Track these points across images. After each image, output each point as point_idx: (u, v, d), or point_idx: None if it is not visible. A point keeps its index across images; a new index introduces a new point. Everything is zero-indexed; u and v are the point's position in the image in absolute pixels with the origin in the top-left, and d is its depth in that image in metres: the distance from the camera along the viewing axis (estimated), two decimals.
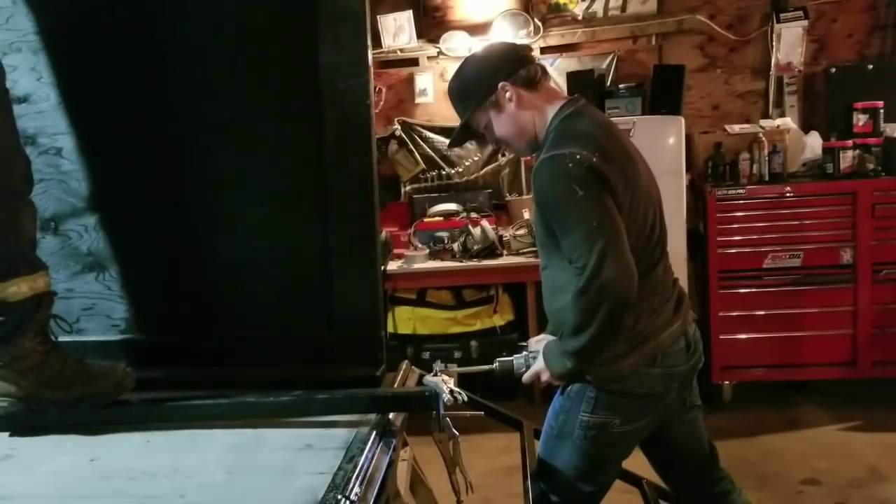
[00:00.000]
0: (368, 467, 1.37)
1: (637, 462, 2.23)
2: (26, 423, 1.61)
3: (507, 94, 1.99)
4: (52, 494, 1.33)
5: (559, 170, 1.84)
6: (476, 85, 2.03)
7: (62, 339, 1.71)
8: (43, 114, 1.95)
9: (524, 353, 2.10)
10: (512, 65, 2.01)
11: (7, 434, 1.61)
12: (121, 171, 1.97)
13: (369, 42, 1.87)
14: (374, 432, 1.51)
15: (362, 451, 1.41)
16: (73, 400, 1.60)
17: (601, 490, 2.09)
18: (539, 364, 2.01)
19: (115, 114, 1.94)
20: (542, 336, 2.15)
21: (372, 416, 1.61)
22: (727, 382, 4.40)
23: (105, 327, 2.00)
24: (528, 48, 2.11)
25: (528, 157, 4.97)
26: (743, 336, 4.33)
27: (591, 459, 2.00)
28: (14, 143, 1.62)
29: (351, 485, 1.26)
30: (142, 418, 1.65)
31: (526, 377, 2.05)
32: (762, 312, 4.30)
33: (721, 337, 4.30)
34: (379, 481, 1.37)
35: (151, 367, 1.87)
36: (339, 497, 1.21)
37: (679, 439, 2.16)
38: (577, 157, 1.82)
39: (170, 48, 1.91)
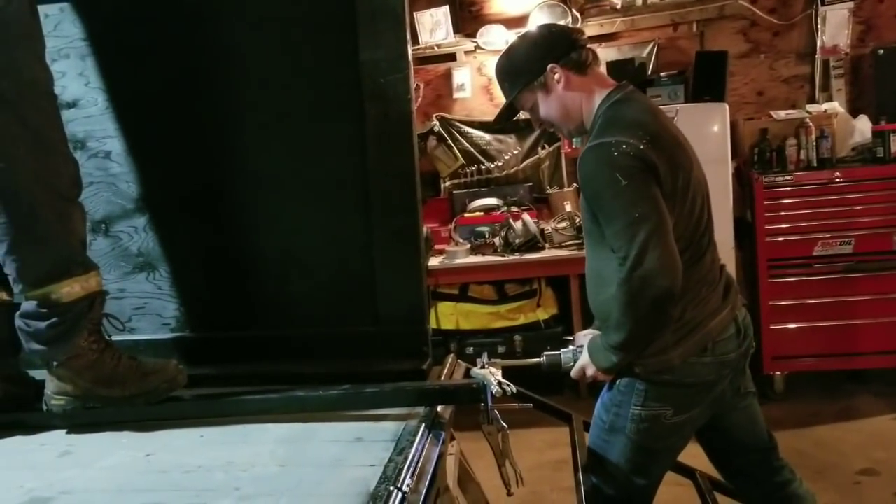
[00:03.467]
0: (419, 459, 1.36)
1: (689, 454, 2.20)
2: (83, 420, 1.64)
3: (556, 76, 1.98)
4: (110, 489, 1.35)
5: (604, 158, 1.81)
6: (526, 64, 2.02)
7: (115, 338, 1.74)
8: (91, 118, 1.99)
9: (572, 347, 2.08)
10: (563, 47, 2.00)
11: (65, 431, 1.64)
12: (168, 172, 2.00)
13: (408, 37, 1.87)
14: (423, 425, 1.51)
15: (412, 443, 1.41)
16: (128, 397, 1.63)
17: (654, 483, 2.06)
18: (584, 359, 1.99)
19: (161, 116, 1.96)
20: (589, 331, 2.13)
21: (420, 410, 1.61)
22: (779, 373, 4.32)
23: (156, 326, 2.04)
24: (580, 32, 2.08)
25: (569, 150, 5.00)
26: (793, 325, 4.25)
27: (644, 452, 1.98)
28: (62, 147, 1.65)
29: (402, 476, 1.27)
30: (195, 414, 1.66)
31: (573, 373, 2.03)
32: (813, 301, 4.22)
33: (771, 327, 4.23)
34: (430, 473, 1.37)
35: (202, 363, 1.89)
36: (392, 488, 1.22)
37: (735, 427, 2.12)
38: (624, 145, 1.79)
39: (213, 49, 1.93)
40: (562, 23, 4.92)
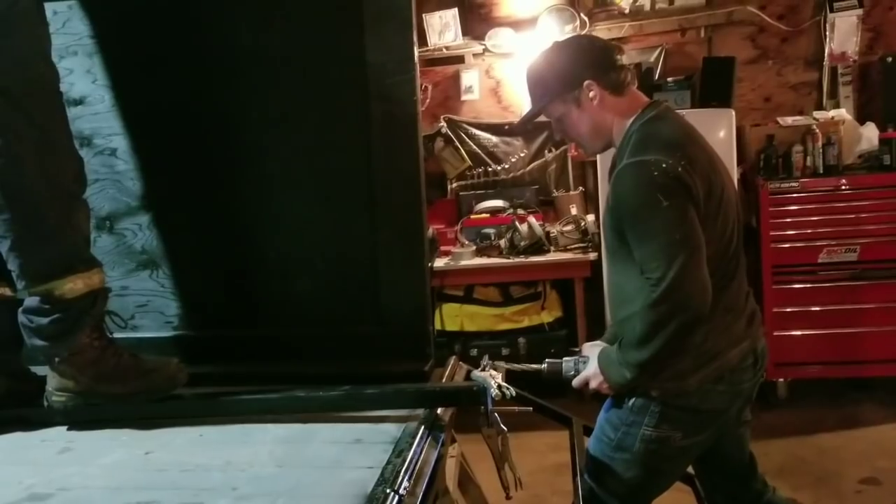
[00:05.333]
0: (417, 462, 1.36)
1: None
2: (84, 416, 1.64)
3: (592, 94, 1.93)
4: (108, 486, 1.35)
5: (645, 177, 1.79)
6: (563, 75, 1.96)
7: (117, 335, 1.74)
8: (98, 115, 1.99)
9: (574, 356, 2.07)
10: (604, 65, 1.94)
11: (66, 428, 1.64)
12: (173, 170, 2.00)
13: (415, 39, 1.87)
14: (423, 427, 1.51)
15: (411, 445, 1.40)
16: (129, 394, 1.63)
17: (652, 500, 2.08)
18: (591, 370, 1.98)
19: (167, 114, 1.97)
20: (597, 342, 2.12)
21: (420, 411, 1.61)
22: (782, 380, 4.31)
23: (159, 324, 2.04)
24: (620, 50, 2.02)
25: (575, 154, 4.99)
26: (798, 332, 4.24)
27: (649, 472, 1.98)
28: (68, 144, 1.66)
29: (400, 479, 1.26)
30: (195, 412, 1.67)
31: (576, 382, 2.02)
32: (818, 308, 4.21)
33: (775, 333, 4.21)
34: (428, 476, 1.37)
35: (203, 362, 1.89)
36: (389, 491, 1.21)
37: (723, 451, 2.13)
38: (664, 165, 1.76)
39: (219, 49, 1.93)
40: (568, 28, 4.93)
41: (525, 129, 2.14)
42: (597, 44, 2.09)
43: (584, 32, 4.81)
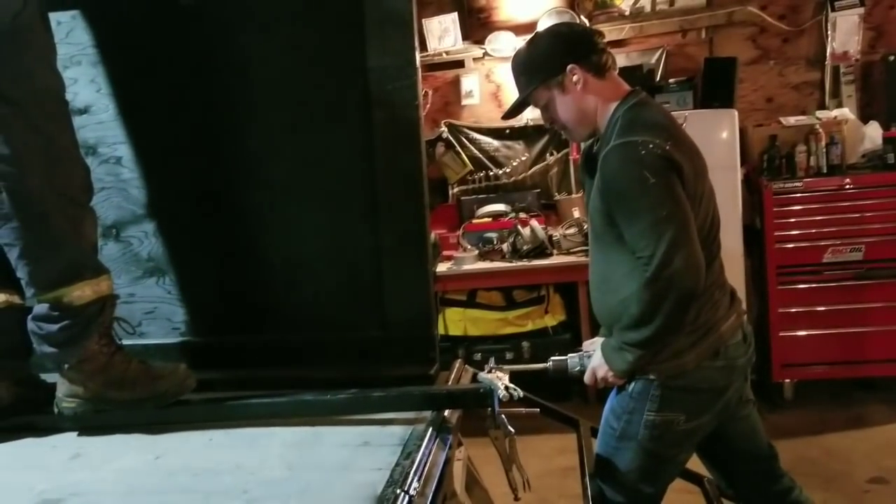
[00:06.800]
0: (426, 463, 1.37)
1: (697, 461, 2.19)
2: (94, 422, 1.65)
3: (575, 77, 1.97)
4: (119, 491, 1.36)
5: (632, 156, 1.82)
6: (545, 61, 2.01)
7: (125, 341, 1.75)
8: (103, 124, 2.00)
9: (578, 352, 2.08)
10: (585, 49, 1.99)
11: (76, 433, 1.65)
12: (178, 177, 2.01)
13: (416, 44, 1.88)
14: (431, 429, 1.51)
15: (419, 447, 1.41)
16: (138, 400, 1.64)
17: (662, 491, 2.07)
18: (596, 360, 1.99)
19: (171, 122, 1.98)
20: (595, 339, 2.14)
21: (428, 414, 1.61)
22: (788, 380, 4.31)
23: (166, 330, 2.05)
24: (601, 34, 2.08)
25: (578, 156, 4.99)
26: (803, 333, 4.23)
27: (655, 459, 1.98)
28: (74, 153, 1.67)
29: (409, 480, 1.27)
30: (203, 417, 1.67)
31: (586, 377, 2.03)
32: (823, 308, 4.20)
33: (781, 334, 4.22)
34: (437, 477, 1.38)
35: (211, 367, 1.90)
36: (399, 492, 1.22)
37: (736, 436, 2.12)
38: (650, 144, 1.80)
39: (222, 54, 1.94)
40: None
41: (515, 116, 2.18)
42: (576, 29, 2.17)
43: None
